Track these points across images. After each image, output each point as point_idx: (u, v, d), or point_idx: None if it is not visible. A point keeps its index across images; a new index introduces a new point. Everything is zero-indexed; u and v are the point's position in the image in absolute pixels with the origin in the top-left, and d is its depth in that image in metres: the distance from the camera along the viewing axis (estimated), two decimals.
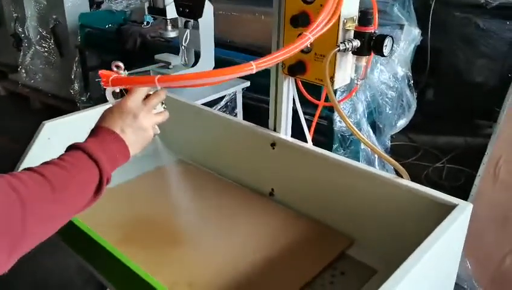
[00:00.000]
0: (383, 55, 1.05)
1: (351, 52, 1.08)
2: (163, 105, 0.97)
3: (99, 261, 1.09)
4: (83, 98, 3.76)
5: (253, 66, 0.77)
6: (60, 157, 0.77)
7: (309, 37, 0.85)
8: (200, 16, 1.30)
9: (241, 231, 1.26)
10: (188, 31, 1.68)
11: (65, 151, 0.79)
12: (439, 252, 0.90)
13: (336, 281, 1.10)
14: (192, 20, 1.61)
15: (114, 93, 0.89)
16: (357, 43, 1.05)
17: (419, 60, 3.07)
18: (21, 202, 0.67)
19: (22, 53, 4.23)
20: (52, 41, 3.99)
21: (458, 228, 0.97)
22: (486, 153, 2.14)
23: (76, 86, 3.74)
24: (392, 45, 1.06)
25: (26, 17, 4.07)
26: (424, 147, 3.47)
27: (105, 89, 0.88)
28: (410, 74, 2.63)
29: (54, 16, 3.85)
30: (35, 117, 4.01)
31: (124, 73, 0.89)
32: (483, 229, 2.11)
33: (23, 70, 4.30)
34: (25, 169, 0.73)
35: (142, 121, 0.88)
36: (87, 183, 0.77)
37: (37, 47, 4.14)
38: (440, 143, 3.52)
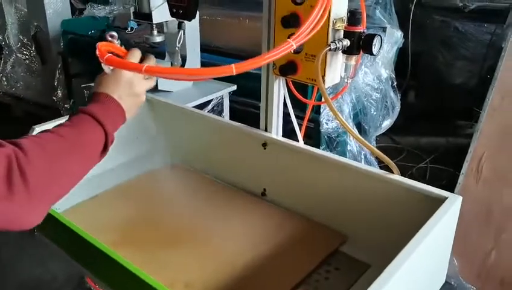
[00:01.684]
0: (372, 54, 1.08)
1: (341, 51, 1.10)
2: None
3: (96, 264, 1.08)
4: (66, 105, 3.72)
5: (233, 69, 0.82)
6: (71, 120, 0.88)
7: (292, 44, 0.87)
8: (194, 17, 1.32)
9: (236, 231, 1.27)
10: (181, 32, 1.70)
11: (73, 115, 0.89)
12: (431, 244, 0.92)
13: (331, 277, 1.12)
14: (185, 22, 1.63)
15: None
16: (346, 42, 1.08)
17: (400, 62, 3.13)
18: (49, 158, 0.78)
19: (2, 61, 4.17)
20: (33, 48, 3.95)
21: (449, 220, 1.00)
22: (469, 151, 2.19)
23: (59, 93, 3.70)
24: (381, 43, 1.09)
25: (6, 24, 4.02)
26: (408, 148, 3.54)
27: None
28: (394, 76, 2.69)
29: (35, 23, 3.80)
30: (17, 125, 3.95)
31: (117, 42, 0.99)
32: (467, 226, 2.16)
33: (4, 79, 4.23)
34: (42, 131, 0.85)
35: (137, 87, 0.97)
36: (96, 143, 0.88)
37: (18, 55, 4.08)
38: (423, 144, 3.59)
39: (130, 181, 1.51)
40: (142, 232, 1.27)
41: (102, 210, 1.36)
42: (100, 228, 1.25)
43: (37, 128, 1.38)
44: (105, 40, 0.98)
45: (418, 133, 3.68)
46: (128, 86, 0.96)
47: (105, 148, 0.89)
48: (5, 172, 0.71)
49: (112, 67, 0.95)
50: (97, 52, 0.92)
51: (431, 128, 3.65)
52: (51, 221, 1.12)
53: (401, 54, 3.04)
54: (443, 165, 3.26)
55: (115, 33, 0.99)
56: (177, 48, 1.66)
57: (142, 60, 1.00)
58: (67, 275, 2.40)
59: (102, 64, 0.95)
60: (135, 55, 0.99)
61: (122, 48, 0.99)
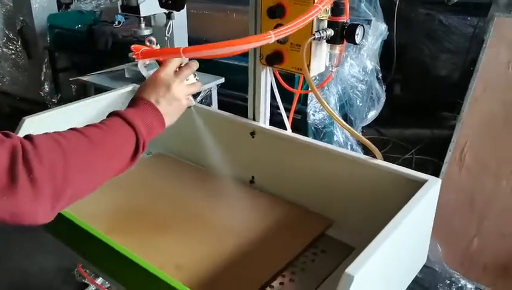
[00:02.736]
0: (355, 43, 1.12)
1: (325, 40, 1.14)
2: (196, 76, 1.03)
3: (89, 249, 1.11)
4: (53, 100, 3.72)
5: (272, 35, 0.83)
6: (100, 121, 0.84)
7: (320, 8, 0.89)
8: (183, 7, 1.35)
9: (224, 217, 1.30)
10: (171, 22, 1.73)
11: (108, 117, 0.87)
12: (410, 225, 0.96)
13: (317, 259, 1.16)
14: (174, 12, 1.66)
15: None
16: (330, 32, 1.11)
17: (385, 55, 3.19)
18: (63, 153, 0.73)
19: None
20: (19, 43, 3.93)
21: (428, 201, 1.04)
22: (452, 141, 2.25)
23: (46, 87, 3.70)
24: (363, 33, 1.12)
25: None
26: (393, 139, 3.60)
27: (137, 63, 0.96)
28: (379, 68, 2.74)
29: (21, 18, 3.78)
30: (4, 121, 3.93)
31: (156, 47, 0.96)
32: (451, 213, 2.22)
33: None
34: (69, 129, 0.80)
35: (175, 91, 0.93)
36: (123, 143, 0.83)
37: (4, 49, 4.05)
38: (408, 135, 3.65)
39: None
40: (131, 220, 1.30)
41: (93, 199, 1.35)
42: (90, 217, 1.26)
43: (28, 120, 1.40)
44: (143, 45, 0.97)
45: (403, 124, 3.74)
46: (165, 88, 0.92)
47: (136, 152, 0.84)
48: (8, 163, 0.67)
49: (148, 65, 0.96)
50: (132, 51, 0.92)
51: (416, 120, 3.71)
52: None
53: (386, 46, 3.08)
54: (428, 156, 3.32)
55: (153, 38, 0.99)
56: (166, 38, 1.68)
57: (180, 68, 0.97)
58: (56, 268, 2.41)
59: (140, 68, 0.96)
60: (174, 61, 0.95)
61: None
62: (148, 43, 0.96)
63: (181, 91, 0.95)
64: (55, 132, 0.77)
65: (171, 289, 0.87)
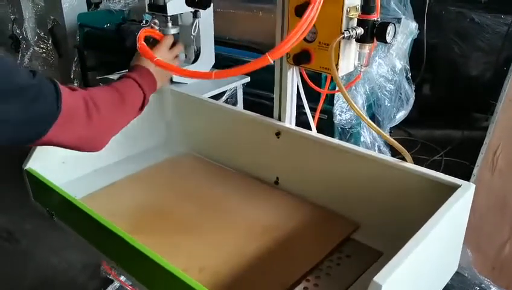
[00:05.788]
0: (386, 42, 1.08)
1: (354, 39, 1.11)
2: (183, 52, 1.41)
3: (114, 249, 1.11)
4: None
5: (213, 75, 1.01)
6: (121, 81, 1.17)
7: (269, 60, 0.96)
8: (209, 5, 1.34)
9: (248, 218, 1.29)
10: (197, 20, 1.73)
11: (119, 79, 1.17)
12: (442, 232, 0.92)
13: (342, 263, 1.13)
14: (200, 11, 1.65)
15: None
16: (360, 30, 1.08)
17: (415, 54, 3.11)
18: (112, 102, 1.09)
19: (20, 54, 4.24)
20: (50, 42, 4.01)
21: (461, 207, 1.00)
22: (484, 143, 2.17)
23: (75, 85, 3.76)
24: (395, 32, 1.09)
25: (23, 18, 4.08)
26: (422, 140, 3.52)
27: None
28: (408, 67, 2.67)
29: (52, 17, 3.86)
30: None
31: (157, 28, 1.31)
32: (482, 218, 2.15)
33: None
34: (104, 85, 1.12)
35: None
36: (137, 99, 1.17)
37: (35, 48, 4.14)
38: (437, 136, 3.57)
39: (145, 170, 1.54)
40: (156, 220, 1.30)
41: (119, 197, 1.39)
42: (116, 215, 1.28)
43: None
44: (149, 26, 1.31)
45: (432, 125, 3.65)
46: None
47: (142, 106, 1.18)
48: (85, 108, 0.99)
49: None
50: (138, 36, 1.19)
51: (446, 120, 3.62)
52: (70, 207, 1.15)
53: (416, 45, 3.01)
54: (458, 158, 3.23)
55: (157, 21, 1.32)
56: (192, 37, 1.68)
57: (173, 45, 1.31)
58: (83, 264, 2.45)
59: None
60: (167, 41, 1.30)
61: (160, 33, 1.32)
62: (152, 24, 1.30)
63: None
64: (98, 87, 1.09)
65: None
